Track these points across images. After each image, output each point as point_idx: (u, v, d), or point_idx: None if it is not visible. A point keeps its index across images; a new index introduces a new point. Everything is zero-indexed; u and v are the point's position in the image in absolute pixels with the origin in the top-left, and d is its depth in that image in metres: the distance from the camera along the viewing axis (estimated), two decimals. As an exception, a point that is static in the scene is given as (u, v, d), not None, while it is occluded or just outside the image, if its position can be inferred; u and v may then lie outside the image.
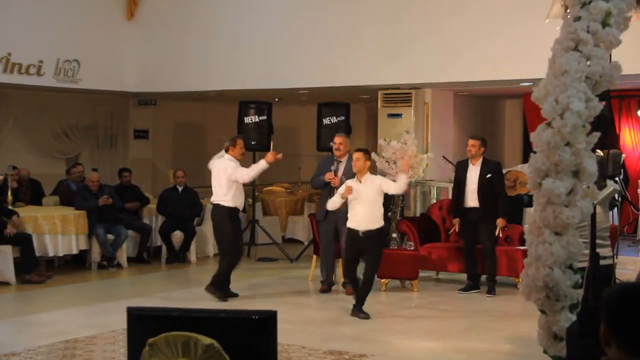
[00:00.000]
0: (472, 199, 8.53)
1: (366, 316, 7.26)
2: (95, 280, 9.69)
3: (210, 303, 7.89)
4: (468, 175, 8.58)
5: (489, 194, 8.46)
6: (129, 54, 12.24)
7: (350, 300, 7.60)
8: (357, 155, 7.39)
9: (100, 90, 12.28)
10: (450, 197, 9.23)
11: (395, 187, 7.40)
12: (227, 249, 8.09)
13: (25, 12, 11.02)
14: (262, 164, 8.09)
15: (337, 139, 8.55)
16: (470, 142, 8.60)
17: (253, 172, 8.13)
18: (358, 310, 7.32)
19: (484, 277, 8.64)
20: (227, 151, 8.13)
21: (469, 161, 8.62)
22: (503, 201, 8.49)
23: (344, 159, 8.47)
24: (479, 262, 8.65)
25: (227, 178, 8.00)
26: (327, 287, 8.63)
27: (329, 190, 8.41)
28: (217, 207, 8.11)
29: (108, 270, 10.14)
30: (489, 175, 8.48)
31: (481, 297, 8.39)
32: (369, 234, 7.27)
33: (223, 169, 8.03)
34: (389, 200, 9.32)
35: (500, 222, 8.46)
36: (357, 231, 7.29)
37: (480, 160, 8.55)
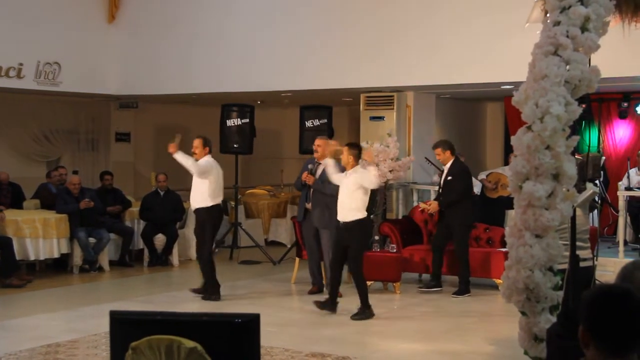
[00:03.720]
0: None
1: (368, 315, 7.39)
2: (77, 284, 9.63)
3: (193, 306, 7.87)
4: (442, 178, 8.75)
5: (451, 202, 8.57)
6: (110, 57, 12.18)
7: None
8: (342, 150, 7.66)
9: (82, 93, 12.21)
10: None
11: (368, 182, 7.48)
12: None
13: (5, 14, 10.94)
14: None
15: (317, 141, 8.63)
16: (435, 152, 8.68)
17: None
18: (362, 312, 7.42)
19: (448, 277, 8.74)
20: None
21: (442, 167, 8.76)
22: (451, 196, 8.55)
23: (324, 161, 8.54)
24: (446, 263, 8.79)
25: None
26: (317, 288, 8.64)
27: (305, 191, 8.49)
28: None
29: (90, 273, 10.08)
30: (449, 178, 8.57)
31: (462, 299, 8.44)
32: (347, 225, 7.41)
33: None
34: (371, 202, 9.35)
35: (433, 203, 8.56)
36: (339, 222, 7.51)
37: (450, 163, 8.65)
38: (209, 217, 8.22)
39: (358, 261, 7.51)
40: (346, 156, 7.50)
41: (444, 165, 8.72)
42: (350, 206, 7.44)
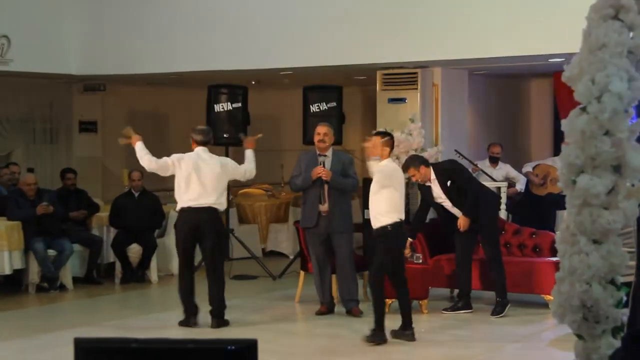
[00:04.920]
0: (456, 212, 8.73)
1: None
2: (34, 306, 9.64)
3: (176, 332, 7.88)
4: (434, 194, 8.76)
5: (462, 197, 8.65)
6: (72, 29, 12.19)
7: (347, 325, 7.61)
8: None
9: (37, 74, 12.22)
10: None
11: None
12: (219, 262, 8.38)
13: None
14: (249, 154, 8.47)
15: (321, 129, 8.63)
16: (409, 173, 8.65)
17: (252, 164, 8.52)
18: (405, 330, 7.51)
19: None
20: (206, 145, 8.34)
21: (425, 184, 8.79)
22: (469, 197, 8.64)
23: (329, 153, 8.55)
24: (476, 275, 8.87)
25: (228, 177, 8.36)
26: (326, 308, 8.65)
27: (318, 190, 8.47)
28: (215, 211, 8.24)
29: (49, 293, 10.09)
30: (449, 183, 8.67)
31: (504, 320, 8.43)
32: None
33: (222, 165, 8.26)
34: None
35: (465, 222, 8.63)
36: (389, 227, 7.45)
37: (433, 174, 8.72)
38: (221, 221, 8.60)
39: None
40: (381, 147, 7.53)
41: (428, 182, 8.73)
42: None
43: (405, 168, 8.59)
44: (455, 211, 8.70)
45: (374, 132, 8.02)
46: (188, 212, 8.10)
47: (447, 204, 8.74)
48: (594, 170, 4.48)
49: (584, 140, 4.49)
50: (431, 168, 8.73)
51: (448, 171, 8.78)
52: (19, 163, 12.07)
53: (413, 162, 8.66)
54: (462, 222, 8.61)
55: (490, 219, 8.79)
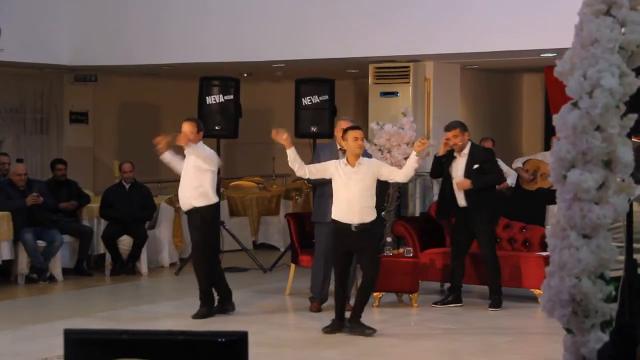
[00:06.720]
0: (460, 198, 8.68)
1: (372, 331, 7.39)
2: (23, 297, 9.63)
3: (167, 323, 7.89)
4: (453, 167, 8.69)
5: (480, 189, 8.60)
6: (63, 19, 12.16)
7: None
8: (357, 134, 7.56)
9: (28, 64, 12.19)
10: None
11: (402, 173, 7.66)
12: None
13: None
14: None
15: (346, 125, 8.57)
16: (450, 134, 8.55)
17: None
18: (358, 325, 7.42)
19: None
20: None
21: (454, 152, 8.69)
22: (487, 179, 8.63)
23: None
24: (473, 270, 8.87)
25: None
26: (318, 305, 8.61)
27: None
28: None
29: (39, 284, 10.08)
30: (476, 166, 8.60)
31: (493, 314, 8.47)
32: (363, 227, 7.43)
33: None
34: (382, 196, 9.36)
35: (464, 182, 8.55)
36: (349, 225, 7.42)
37: (468, 148, 8.65)
38: (214, 217, 8.38)
39: (376, 267, 7.63)
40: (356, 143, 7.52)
41: (458, 154, 8.66)
42: (370, 204, 7.51)
43: (451, 127, 8.60)
44: (460, 196, 8.65)
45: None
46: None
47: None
48: (584, 165, 4.50)
49: (575, 135, 4.50)
50: (470, 142, 8.73)
51: (483, 156, 8.73)
52: (9, 153, 12.02)
53: (462, 125, 8.66)
54: (464, 183, 8.55)
55: (489, 218, 8.71)
